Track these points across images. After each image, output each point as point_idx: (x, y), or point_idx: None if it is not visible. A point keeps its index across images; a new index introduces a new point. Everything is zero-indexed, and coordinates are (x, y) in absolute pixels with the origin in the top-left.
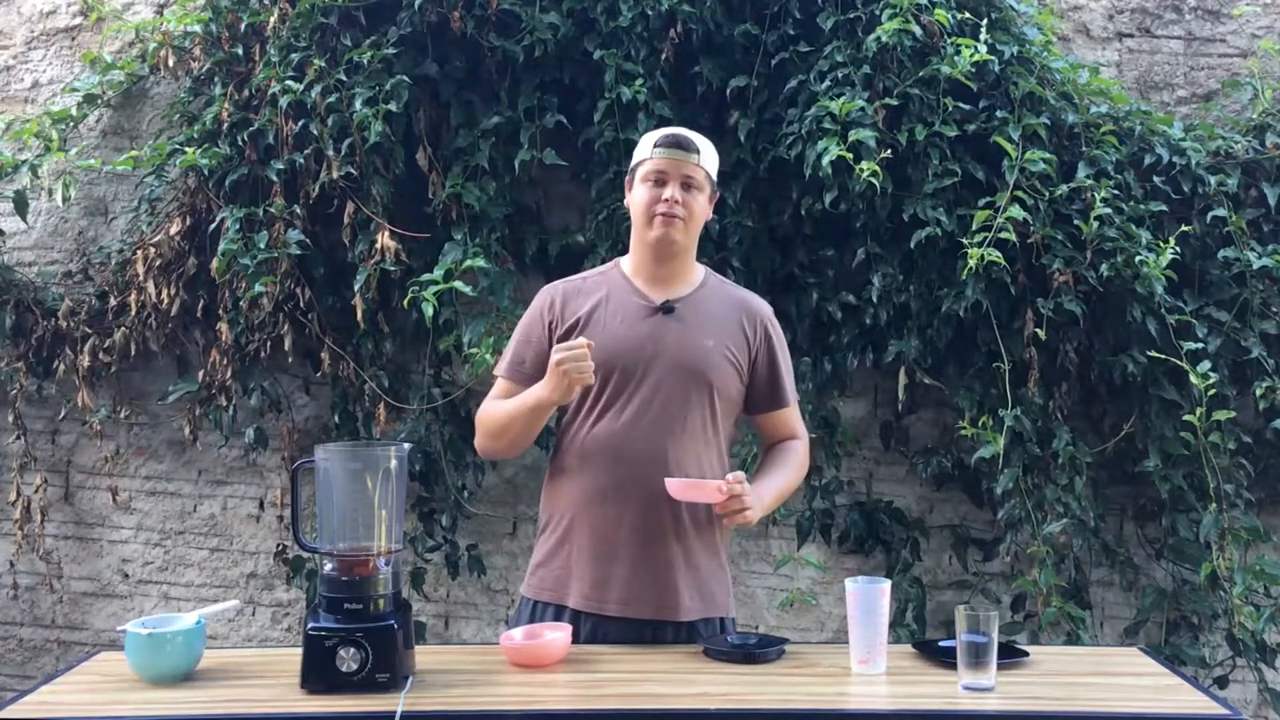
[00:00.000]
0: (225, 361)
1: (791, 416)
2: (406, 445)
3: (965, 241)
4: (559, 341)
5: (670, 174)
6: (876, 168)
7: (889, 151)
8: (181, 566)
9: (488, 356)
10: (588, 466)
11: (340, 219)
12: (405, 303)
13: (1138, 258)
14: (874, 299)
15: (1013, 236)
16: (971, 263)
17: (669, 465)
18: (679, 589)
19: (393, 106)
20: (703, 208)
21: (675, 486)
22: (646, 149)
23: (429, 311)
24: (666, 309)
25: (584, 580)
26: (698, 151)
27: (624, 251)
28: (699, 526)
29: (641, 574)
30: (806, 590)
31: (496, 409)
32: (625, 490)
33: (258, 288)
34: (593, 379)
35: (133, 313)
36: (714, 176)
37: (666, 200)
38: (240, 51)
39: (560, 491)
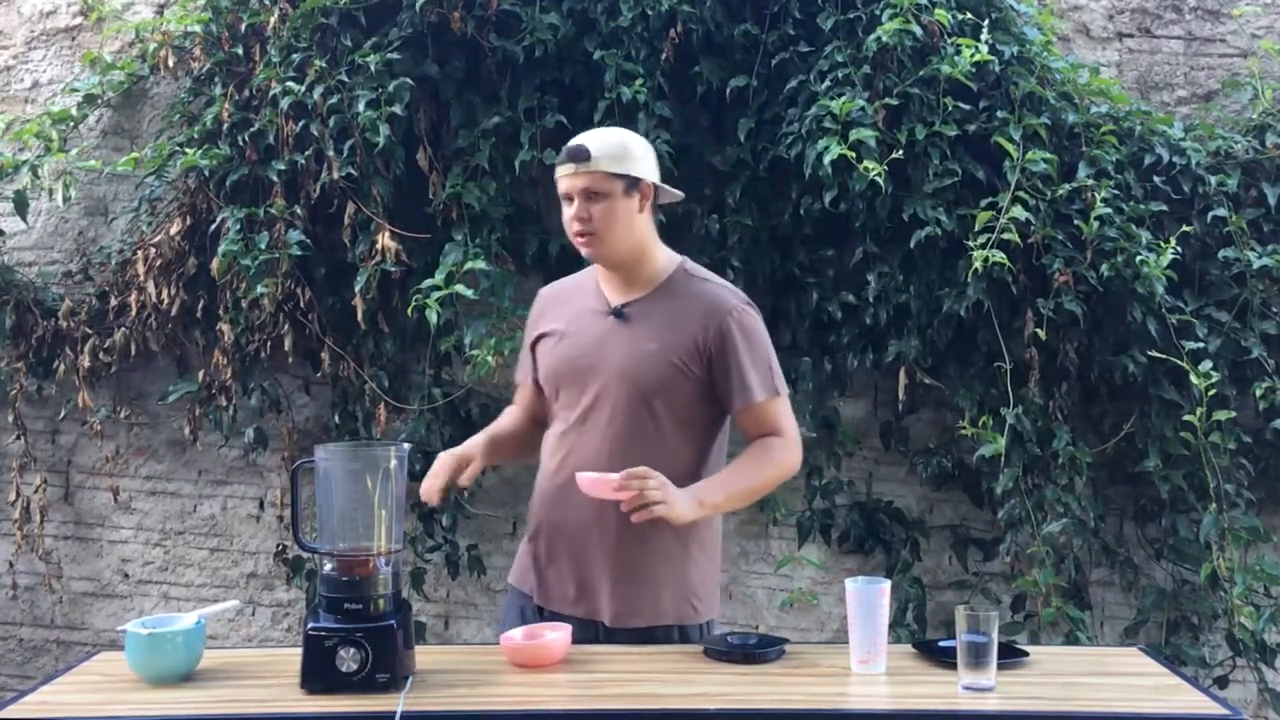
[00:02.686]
0: (225, 361)
1: (767, 412)
2: (406, 445)
3: (969, 244)
4: (535, 349)
5: (571, 190)
6: (880, 167)
7: (900, 153)
8: (181, 566)
9: (489, 359)
10: (546, 469)
11: (341, 219)
12: (410, 310)
13: (1138, 258)
14: (873, 299)
15: (1015, 237)
16: (976, 264)
17: (614, 470)
18: (615, 595)
19: (397, 109)
20: (617, 210)
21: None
22: (557, 170)
23: (433, 319)
24: (617, 313)
25: (544, 579)
26: (588, 158)
27: None
28: (645, 532)
29: (582, 577)
30: (807, 590)
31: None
32: (569, 494)
33: (259, 289)
34: (434, 498)
35: (133, 313)
36: (621, 171)
37: (573, 220)
38: (240, 52)
39: (536, 490)
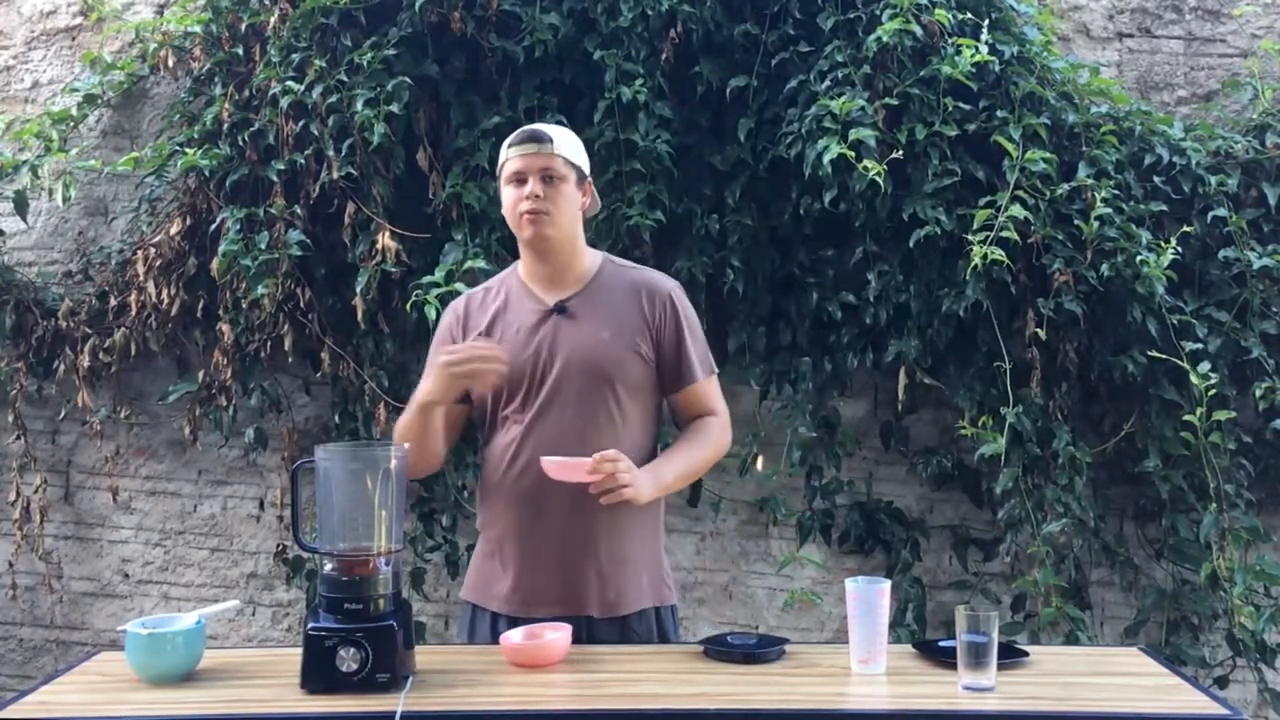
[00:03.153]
0: (225, 361)
1: (703, 392)
2: (406, 445)
3: (970, 238)
4: None
5: (528, 170)
6: (880, 167)
7: (899, 153)
8: (181, 566)
9: None
10: (500, 475)
11: (341, 219)
12: (408, 306)
13: (1138, 258)
14: (873, 299)
15: (1014, 235)
16: (975, 260)
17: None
18: (605, 585)
19: (394, 108)
20: (569, 197)
21: (550, 466)
22: (504, 152)
23: (433, 314)
24: (560, 309)
25: (516, 586)
26: (551, 141)
27: (624, 251)
28: (617, 520)
29: (568, 573)
30: (807, 590)
31: (399, 422)
32: (537, 495)
33: (260, 289)
34: (460, 374)
35: (133, 313)
36: (578, 163)
37: (527, 197)
38: (240, 52)
39: (486, 497)
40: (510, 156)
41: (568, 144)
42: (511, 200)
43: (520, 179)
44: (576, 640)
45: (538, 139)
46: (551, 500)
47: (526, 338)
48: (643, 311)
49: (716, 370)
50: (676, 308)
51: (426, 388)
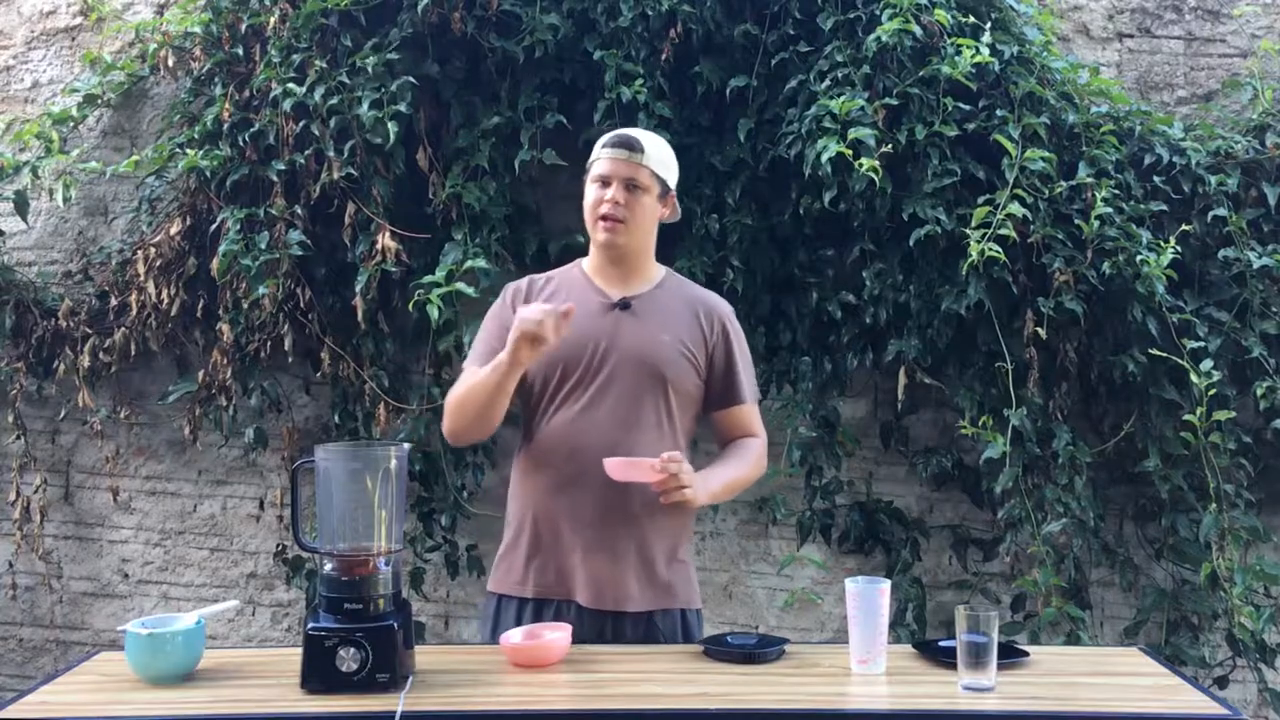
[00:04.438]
0: (225, 361)
1: (748, 414)
2: (406, 445)
3: (968, 231)
4: None
5: (614, 175)
6: (876, 164)
7: (890, 146)
8: (181, 566)
9: None
10: (545, 460)
11: (341, 219)
12: (410, 305)
13: (1138, 257)
14: (873, 298)
15: (1013, 234)
16: (973, 255)
17: (623, 454)
18: (629, 580)
19: (401, 107)
20: (649, 208)
21: (613, 466)
22: (596, 150)
23: (434, 314)
24: (623, 305)
25: (542, 571)
26: (642, 151)
27: None
28: (653, 518)
29: (593, 565)
30: (807, 590)
31: (459, 389)
32: (580, 482)
33: (260, 289)
34: (552, 337)
35: (133, 313)
36: (664, 176)
37: (608, 201)
38: (241, 52)
39: (521, 486)
40: (600, 156)
41: (658, 155)
42: (593, 200)
43: (605, 181)
44: (600, 634)
45: (630, 146)
46: (589, 491)
47: (586, 326)
48: (699, 325)
49: (761, 398)
50: (729, 329)
51: (505, 354)
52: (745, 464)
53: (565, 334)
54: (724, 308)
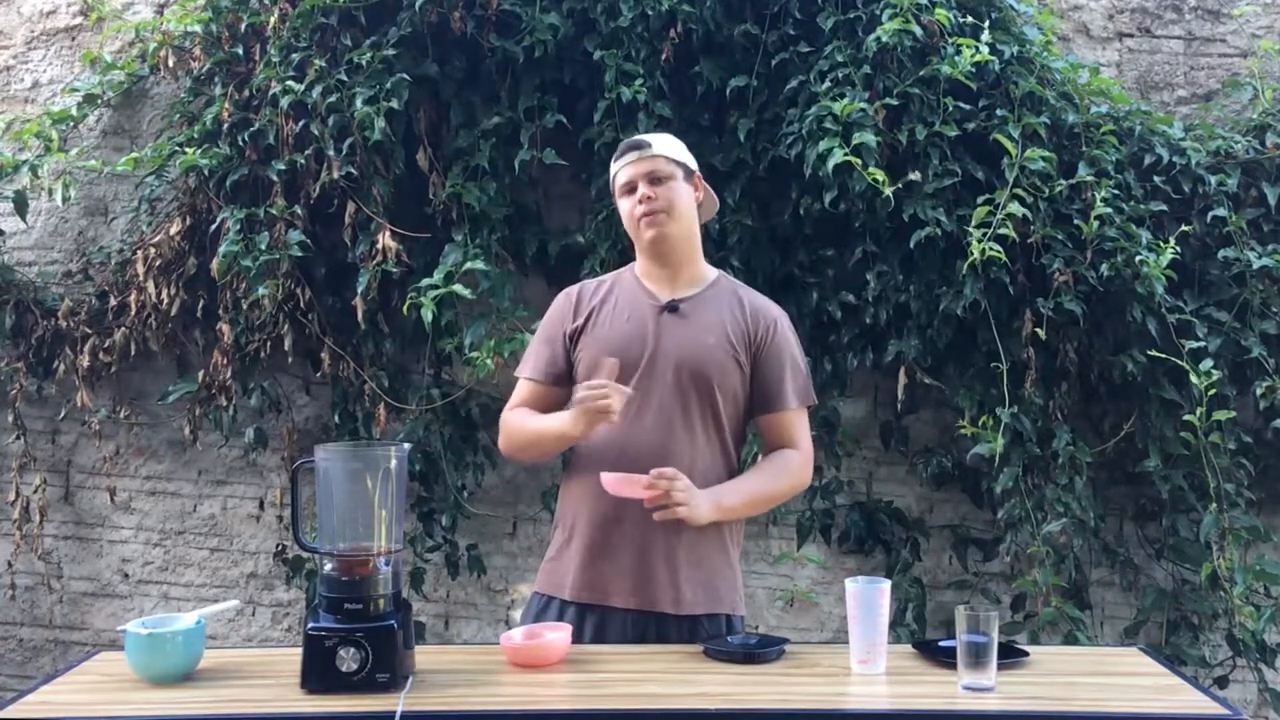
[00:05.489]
0: (225, 361)
1: (789, 422)
2: (406, 445)
3: (969, 229)
4: (573, 339)
5: (636, 177)
6: (881, 175)
7: (884, 137)
8: (181, 566)
9: (488, 361)
10: (593, 463)
11: (341, 219)
12: (405, 308)
13: (1138, 257)
14: (873, 299)
15: (1012, 233)
16: (974, 255)
17: (669, 460)
18: (680, 583)
19: (394, 104)
20: (681, 192)
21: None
22: (612, 167)
23: (428, 317)
24: (671, 307)
25: (588, 573)
26: (649, 145)
27: (623, 252)
28: (695, 527)
29: (643, 567)
30: (807, 589)
31: (524, 424)
32: None
33: (260, 289)
34: (616, 416)
35: (133, 313)
36: (682, 159)
37: (641, 201)
38: (240, 51)
39: (570, 488)
40: (618, 170)
41: (667, 145)
42: (628, 209)
43: (631, 188)
44: (643, 636)
45: (638, 146)
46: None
47: (634, 328)
48: (747, 327)
49: (814, 404)
50: (779, 332)
51: (570, 427)
52: (773, 477)
53: (614, 337)
54: (775, 310)
